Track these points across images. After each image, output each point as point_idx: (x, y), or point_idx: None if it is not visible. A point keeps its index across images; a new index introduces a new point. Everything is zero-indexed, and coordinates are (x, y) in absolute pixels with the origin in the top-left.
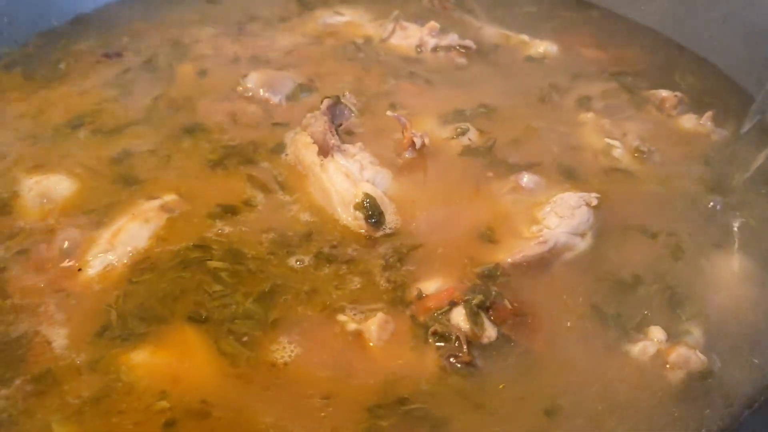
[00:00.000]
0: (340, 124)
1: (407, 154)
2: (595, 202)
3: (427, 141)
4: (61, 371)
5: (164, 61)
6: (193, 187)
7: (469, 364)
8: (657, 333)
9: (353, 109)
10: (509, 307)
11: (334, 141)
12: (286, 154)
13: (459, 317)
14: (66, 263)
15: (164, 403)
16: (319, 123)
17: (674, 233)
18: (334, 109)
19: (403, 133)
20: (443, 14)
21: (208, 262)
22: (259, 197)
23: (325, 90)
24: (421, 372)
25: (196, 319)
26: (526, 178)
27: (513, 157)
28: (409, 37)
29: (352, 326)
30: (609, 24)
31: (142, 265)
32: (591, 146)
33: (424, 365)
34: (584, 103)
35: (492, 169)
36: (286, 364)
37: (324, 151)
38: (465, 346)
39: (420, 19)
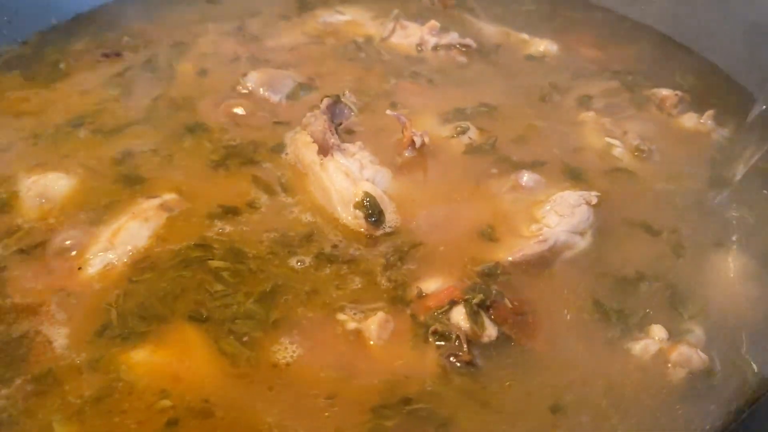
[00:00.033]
0: (340, 123)
1: (407, 153)
2: (595, 201)
3: (427, 140)
4: (61, 371)
5: (164, 60)
6: (194, 187)
7: (469, 363)
8: (658, 331)
9: (353, 108)
10: (509, 306)
11: (333, 140)
12: (286, 154)
13: (459, 316)
14: (66, 262)
15: (166, 402)
16: (318, 122)
17: (675, 232)
18: (334, 108)
19: (403, 132)
20: (443, 13)
21: (209, 262)
22: (263, 198)
23: (325, 89)
24: (421, 371)
25: (196, 319)
26: (526, 177)
27: (515, 155)
28: (410, 36)
29: (352, 325)
30: (609, 23)
31: (143, 264)
32: (591, 145)
33: (424, 364)
34: (585, 102)
35: (496, 166)
36: (288, 364)
37: (324, 150)
38: (465, 346)
39: (420, 18)
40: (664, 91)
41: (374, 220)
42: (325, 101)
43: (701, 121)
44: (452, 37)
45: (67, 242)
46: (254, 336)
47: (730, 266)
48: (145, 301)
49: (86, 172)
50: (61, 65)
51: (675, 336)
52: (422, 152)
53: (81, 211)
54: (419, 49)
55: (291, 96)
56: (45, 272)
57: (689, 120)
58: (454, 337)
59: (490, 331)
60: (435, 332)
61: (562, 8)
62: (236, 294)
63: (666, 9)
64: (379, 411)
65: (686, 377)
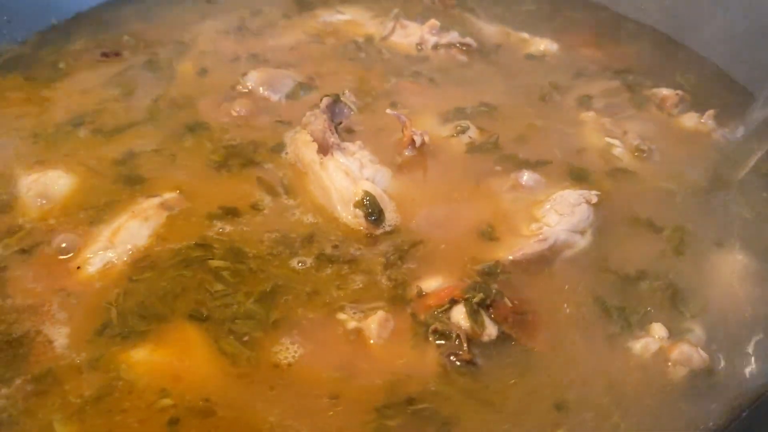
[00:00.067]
0: (340, 122)
1: (407, 152)
2: (595, 200)
3: (427, 139)
4: (62, 370)
5: (164, 60)
6: (195, 186)
7: (469, 362)
8: (659, 330)
9: (353, 107)
10: (509, 305)
11: (333, 139)
12: (286, 153)
13: (459, 315)
14: (66, 262)
15: (168, 401)
16: (318, 121)
17: (675, 231)
18: (334, 108)
19: (402, 131)
20: (444, 13)
21: (210, 261)
22: (266, 201)
23: (325, 88)
24: (422, 370)
25: (196, 318)
26: (526, 176)
27: (515, 155)
28: (410, 35)
29: (352, 324)
30: (609, 22)
31: (143, 263)
32: (591, 145)
33: (424, 363)
34: (585, 101)
35: (497, 166)
36: (290, 364)
37: (323, 150)
38: (465, 345)
39: (420, 17)
40: (665, 91)
41: (374, 219)
42: (325, 100)
43: (702, 120)
44: (452, 36)
45: (68, 242)
46: (254, 336)
47: (731, 265)
48: (145, 300)
49: (87, 171)
50: (61, 65)
51: (675, 335)
52: (422, 151)
53: (81, 210)
54: (419, 48)
55: (291, 95)
56: (46, 272)
57: (690, 120)
58: (454, 336)
59: (490, 330)
60: (435, 331)
61: (562, 7)
62: (236, 294)
63: (667, 8)
64: (383, 411)
65: (687, 376)
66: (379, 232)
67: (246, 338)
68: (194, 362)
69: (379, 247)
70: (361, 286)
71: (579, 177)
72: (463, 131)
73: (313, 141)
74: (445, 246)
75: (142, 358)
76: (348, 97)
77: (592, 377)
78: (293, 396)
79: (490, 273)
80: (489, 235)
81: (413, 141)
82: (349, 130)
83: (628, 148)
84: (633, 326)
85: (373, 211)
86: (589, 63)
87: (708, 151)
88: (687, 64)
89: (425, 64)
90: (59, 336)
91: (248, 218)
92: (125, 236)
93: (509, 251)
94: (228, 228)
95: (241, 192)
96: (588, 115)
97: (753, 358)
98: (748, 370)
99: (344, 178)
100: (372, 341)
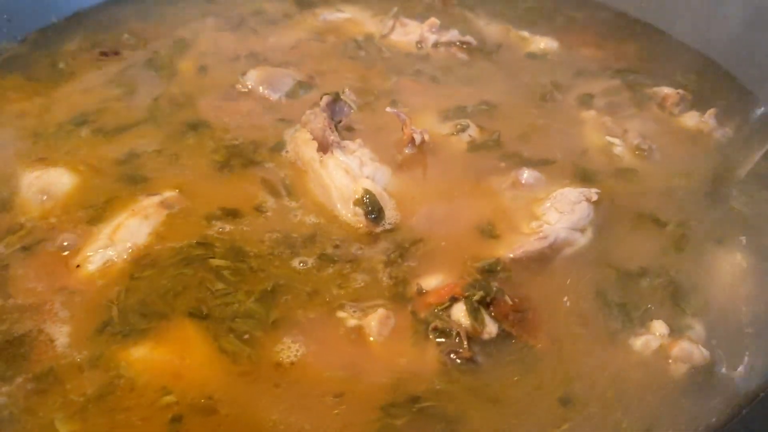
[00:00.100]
0: (340, 121)
1: (407, 151)
2: (595, 198)
3: (426, 137)
4: (63, 369)
5: (165, 58)
6: (197, 185)
7: (469, 360)
8: (659, 327)
9: (352, 105)
10: (510, 302)
11: (333, 137)
12: (286, 152)
13: (459, 313)
14: (67, 260)
15: (170, 398)
16: (318, 119)
17: (676, 229)
18: (334, 106)
19: (402, 129)
20: (444, 11)
21: (211, 260)
22: (270, 202)
23: (325, 87)
24: (422, 368)
25: (197, 316)
26: (526, 174)
27: (515, 153)
28: (409, 33)
29: (352, 322)
30: (610, 21)
31: (144, 261)
32: (592, 144)
33: (425, 361)
34: (585, 100)
35: (497, 164)
36: (292, 363)
37: (323, 148)
38: (465, 342)
39: (421, 16)
40: (666, 90)
41: (374, 217)
42: (325, 99)
43: (703, 119)
44: (452, 34)
45: (69, 240)
46: (255, 335)
47: (731, 263)
48: (146, 298)
49: (88, 169)
50: (61, 64)
51: (676, 332)
52: (422, 150)
53: (82, 208)
54: (419, 46)
55: (290, 94)
56: (47, 270)
57: (691, 119)
58: (454, 333)
59: (491, 328)
60: (435, 329)
61: (563, 6)
62: (237, 293)
63: (667, 7)
64: (388, 409)
65: (687, 373)
66: (379, 230)
67: (246, 336)
68: (195, 360)
69: (379, 245)
70: (361, 284)
71: (579, 175)
72: (463, 129)
73: (313, 139)
74: (445, 244)
75: (143, 356)
76: (348, 96)
77: (593, 374)
78: (297, 394)
79: (491, 271)
80: (489, 232)
81: (413, 139)
82: (349, 129)
83: (629, 146)
84: (634, 323)
85: (372, 209)
86: (589, 62)
87: (709, 150)
88: (688, 64)
89: (425, 62)
90: (60, 334)
91: (250, 219)
92: (125, 234)
93: (509, 249)
94: (229, 227)
95: (243, 193)
96: (589, 114)
97: (753, 355)
98: (748, 367)
99: (344, 176)
100: (372, 339)
